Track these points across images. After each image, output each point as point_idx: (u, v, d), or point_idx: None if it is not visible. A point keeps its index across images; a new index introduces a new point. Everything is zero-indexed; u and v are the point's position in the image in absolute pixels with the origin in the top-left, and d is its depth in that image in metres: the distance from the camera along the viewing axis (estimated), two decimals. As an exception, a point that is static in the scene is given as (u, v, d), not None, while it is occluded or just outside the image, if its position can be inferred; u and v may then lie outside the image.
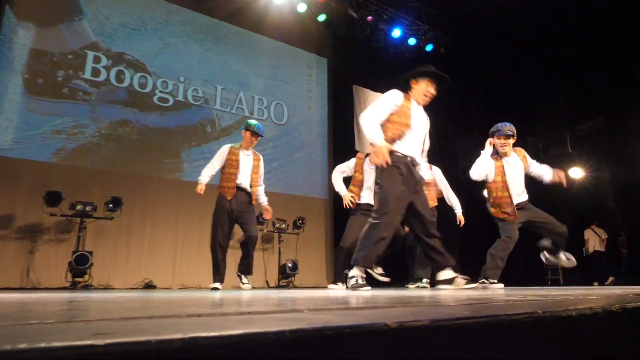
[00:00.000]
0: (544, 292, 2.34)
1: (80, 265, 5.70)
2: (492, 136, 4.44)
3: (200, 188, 4.83)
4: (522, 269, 8.29)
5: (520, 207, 4.29)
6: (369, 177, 4.77)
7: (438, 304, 1.22)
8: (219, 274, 4.84)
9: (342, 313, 0.84)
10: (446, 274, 3.31)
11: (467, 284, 3.28)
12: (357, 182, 4.89)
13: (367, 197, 4.78)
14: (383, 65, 9.63)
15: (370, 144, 3.27)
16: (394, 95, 3.34)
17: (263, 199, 5.07)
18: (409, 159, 3.26)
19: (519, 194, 4.33)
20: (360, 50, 9.34)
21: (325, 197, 8.98)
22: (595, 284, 7.51)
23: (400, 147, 3.26)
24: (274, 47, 8.84)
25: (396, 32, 9.37)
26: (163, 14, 7.78)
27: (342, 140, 9.13)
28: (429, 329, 0.65)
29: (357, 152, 5.65)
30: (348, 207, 4.86)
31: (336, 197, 8.96)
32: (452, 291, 3.14)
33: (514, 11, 8.24)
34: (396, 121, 3.28)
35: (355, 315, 0.79)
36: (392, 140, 3.26)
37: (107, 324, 0.66)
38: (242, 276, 4.89)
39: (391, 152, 3.21)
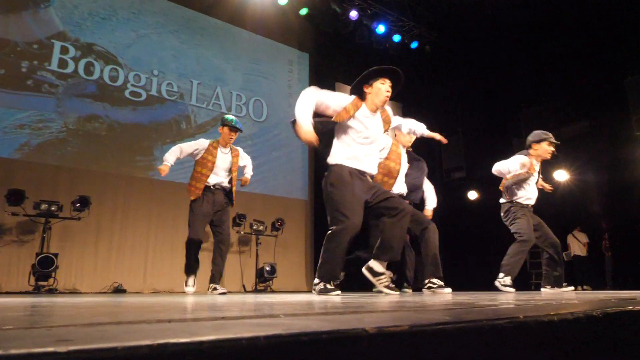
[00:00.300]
0: (527, 296, 2.37)
1: (44, 268, 5.48)
2: (539, 142, 4.41)
3: (164, 169, 4.49)
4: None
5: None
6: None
7: (419, 309, 1.20)
8: (192, 274, 4.59)
9: (320, 318, 0.82)
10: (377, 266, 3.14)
11: (387, 286, 3.12)
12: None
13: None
14: (367, 62, 9.39)
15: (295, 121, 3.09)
16: (345, 97, 3.22)
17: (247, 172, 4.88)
18: (356, 170, 3.13)
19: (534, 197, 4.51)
20: (343, 46, 9.10)
21: (305, 198, 8.75)
22: (579, 288, 7.47)
23: (349, 161, 3.13)
24: (253, 41, 8.53)
25: (380, 28, 9.15)
26: (136, 3, 7.42)
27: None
28: (409, 334, 0.64)
29: None
30: None
31: (317, 198, 8.75)
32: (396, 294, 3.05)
33: (502, 12, 8.13)
34: (360, 121, 3.15)
35: (334, 320, 0.78)
36: (342, 155, 3.14)
37: (71, 330, 0.64)
38: (216, 286, 4.56)
39: (336, 165, 3.12)
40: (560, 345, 0.84)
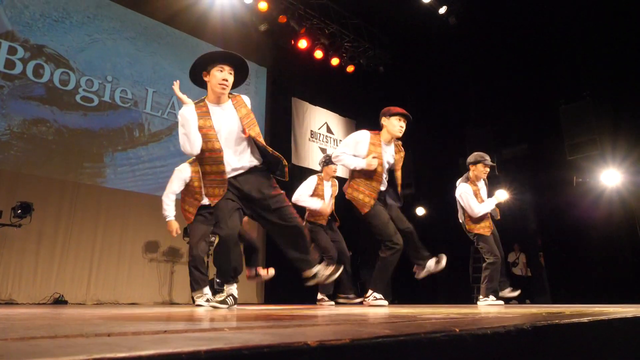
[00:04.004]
0: (467, 310, 2.44)
1: (-23, 278, 5.14)
2: (476, 164, 4.73)
3: (176, 229, 4.37)
4: (449, 287, 8.51)
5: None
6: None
7: (362, 322, 1.21)
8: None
9: (263, 332, 0.83)
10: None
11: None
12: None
13: None
14: (323, 79, 9.64)
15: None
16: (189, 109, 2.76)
17: None
18: (229, 177, 2.81)
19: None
20: (300, 62, 9.28)
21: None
22: (528, 301, 7.82)
23: (218, 167, 2.79)
24: (211, 52, 8.53)
25: (303, 43, 9.16)
26: (91, 8, 7.25)
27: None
28: (350, 348, 0.65)
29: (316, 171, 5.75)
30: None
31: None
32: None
33: (450, 39, 8.60)
34: (205, 134, 2.76)
35: (277, 334, 0.78)
36: (206, 160, 2.81)
37: (1, 345, 0.60)
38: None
39: (209, 177, 2.83)
40: (493, 357, 0.87)
